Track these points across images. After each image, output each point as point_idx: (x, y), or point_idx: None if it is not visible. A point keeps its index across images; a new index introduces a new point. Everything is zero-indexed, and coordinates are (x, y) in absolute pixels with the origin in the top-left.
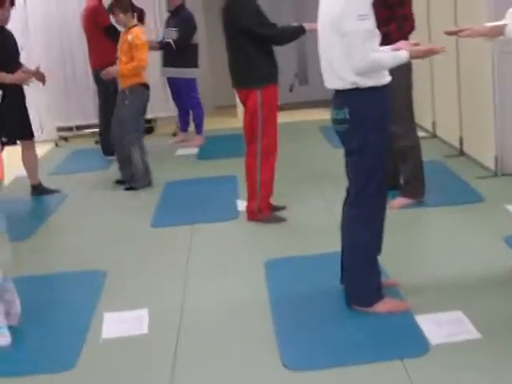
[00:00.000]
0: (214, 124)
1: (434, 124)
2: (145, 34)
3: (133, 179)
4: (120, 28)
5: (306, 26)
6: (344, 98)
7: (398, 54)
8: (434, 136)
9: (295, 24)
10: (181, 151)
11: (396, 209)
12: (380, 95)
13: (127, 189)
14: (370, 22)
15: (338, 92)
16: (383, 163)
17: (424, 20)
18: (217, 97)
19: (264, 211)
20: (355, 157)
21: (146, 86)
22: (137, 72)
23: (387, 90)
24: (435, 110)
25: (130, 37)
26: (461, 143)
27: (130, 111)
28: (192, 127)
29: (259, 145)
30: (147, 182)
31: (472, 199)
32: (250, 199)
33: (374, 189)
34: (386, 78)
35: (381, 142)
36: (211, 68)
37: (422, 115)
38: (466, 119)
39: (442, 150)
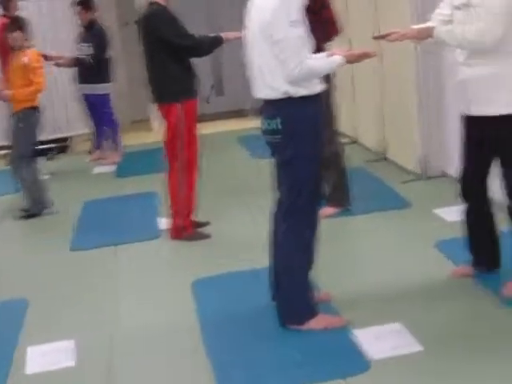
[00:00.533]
0: (132, 139)
1: (354, 129)
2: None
3: (30, 205)
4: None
5: (224, 35)
6: (275, 107)
7: (332, 59)
8: (355, 141)
9: (213, 34)
10: (98, 169)
11: (323, 218)
12: (313, 104)
13: (24, 217)
14: (302, 29)
15: (268, 102)
16: (316, 174)
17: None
18: (133, 111)
19: (187, 228)
20: (287, 168)
21: (37, 109)
22: (33, 96)
23: (320, 99)
24: (356, 114)
25: (25, 59)
26: (383, 147)
27: (23, 134)
28: (109, 143)
29: (180, 160)
30: (44, 206)
31: (399, 205)
32: (172, 217)
33: (306, 201)
34: (319, 87)
35: (314, 153)
36: (128, 82)
37: (343, 119)
38: (388, 123)
39: (364, 156)
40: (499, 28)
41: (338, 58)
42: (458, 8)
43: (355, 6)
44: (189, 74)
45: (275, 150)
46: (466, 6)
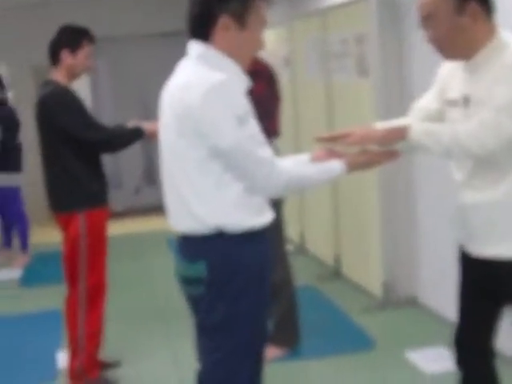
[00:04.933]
0: (46, 236)
1: (302, 235)
2: None
3: None
4: None
5: (147, 126)
6: (200, 246)
7: (329, 166)
8: (302, 250)
9: (132, 125)
10: (1, 274)
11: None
12: (256, 241)
13: None
14: (254, 121)
15: (189, 238)
16: (258, 345)
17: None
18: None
19: (90, 372)
20: (215, 336)
21: None
22: None
23: (265, 234)
24: (304, 217)
25: None
26: (336, 262)
27: None
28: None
29: (82, 286)
30: None
31: (360, 345)
32: (71, 356)
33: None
34: (266, 216)
35: (256, 310)
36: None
37: (288, 223)
38: (343, 231)
39: (313, 269)
40: (511, 130)
41: (336, 167)
42: (452, 104)
43: (307, 103)
44: (96, 175)
45: (196, 307)
46: (466, 102)
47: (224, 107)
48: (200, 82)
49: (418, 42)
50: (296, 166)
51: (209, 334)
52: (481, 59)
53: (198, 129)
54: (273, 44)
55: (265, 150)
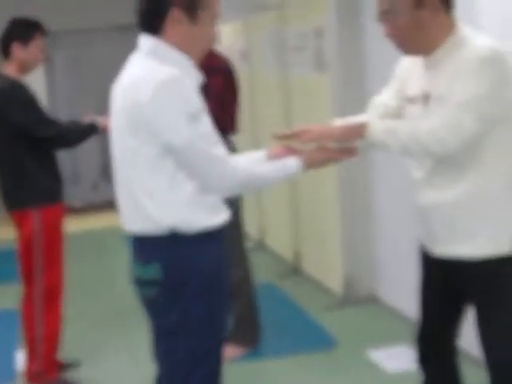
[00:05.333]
0: (1, 234)
1: (261, 231)
2: None
3: None
4: None
5: (101, 121)
6: (153, 247)
7: (286, 164)
8: (262, 247)
9: (87, 120)
10: None
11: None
12: (211, 242)
13: None
14: (207, 119)
15: (142, 238)
16: (216, 350)
17: (248, 118)
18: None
19: (49, 373)
20: (170, 340)
21: None
22: None
23: (221, 234)
24: (263, 212)
25: None
26: (296, 259)
27: None
28: None
29: (39, 285)
30: None
31: (321, 343)
32: (29, 357)
33: None
34: (221, 216)
35: (212, 312)
36: None
37: (247, 219)
38: (303, 227)
39: (273, 266)
40: (472, 127)
41: (293, 165)
42: (412, 101)
43: (264, 98)
44: (50, 171)
45: (152, 309)
46: (426, 99)
47: (175, 104)
48: (150, 78)
49: (378, 36)
50: (251, 163)
51: (164, 337)
52: (441, 55)
53: (148, 126)
54: (229, 38)
55: (218, 148)
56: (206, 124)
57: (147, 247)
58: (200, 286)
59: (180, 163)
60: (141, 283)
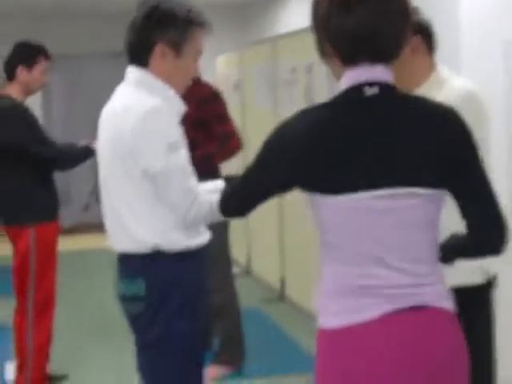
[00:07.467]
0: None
1: (248, 257)
2: None
3: None
4: None
5: (97, 145)
6: (138, 265)
7: None
8: (249, 272)
9: (82, 144)
10: None
11: (208, 381)
12: (192, 261)
13: None
14: (184, 151)
15: (127, 256)
16: (198, 360)
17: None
18: None
19: None
20: (153, 353)
21: None
22: None
23: (202, 254)
24: (250, 240)
25: None
26: (282, 285)
27: None
28: None
29: (31, 299)
30: None
31: (306, 367)
32: (19, 369)
33: None
34: (203, 237)
35: (191, 328)
36: None
37: (235, 247)
38: (288, 255)
39: (258, 292)
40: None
41: None
42: None
43: (254, 130)
44: (47, 189)
45: (135, 325)
46: None
47: (156, 133)
48: (135, 108)
49: None
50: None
51: (147, 353)
52: (421, 93)
53: (130, 152)
54: (223, 69)
55: (190, 181)
56: (183, 156)
57: (131, 265)
58: (179, 303)
59: (156, 189)
60: (125, 299)
